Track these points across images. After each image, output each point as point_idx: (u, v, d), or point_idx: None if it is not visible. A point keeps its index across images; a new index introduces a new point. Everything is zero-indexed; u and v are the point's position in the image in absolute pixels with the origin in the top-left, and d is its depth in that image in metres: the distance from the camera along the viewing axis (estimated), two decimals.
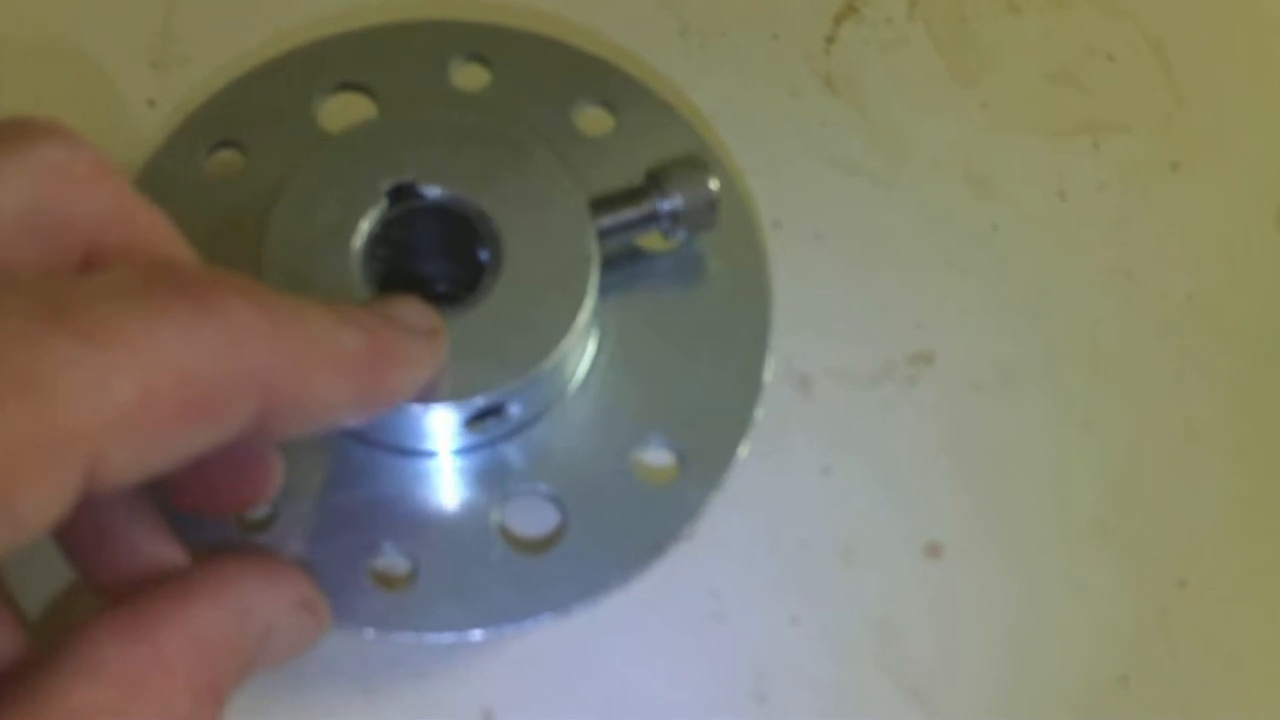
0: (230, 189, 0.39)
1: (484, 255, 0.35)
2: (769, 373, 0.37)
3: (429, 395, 0.33)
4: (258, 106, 0.40)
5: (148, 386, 0.23)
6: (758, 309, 0.38)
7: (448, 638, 0.34)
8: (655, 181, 0.37)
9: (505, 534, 0.35)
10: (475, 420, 0.34)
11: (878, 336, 0.40)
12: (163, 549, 0.31)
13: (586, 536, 0.35)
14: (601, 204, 0.36)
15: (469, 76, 0.41)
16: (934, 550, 0.37)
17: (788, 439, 0.38)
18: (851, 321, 0.40)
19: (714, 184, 0.37)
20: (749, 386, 0.37)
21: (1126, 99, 0.45)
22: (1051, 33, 0.46)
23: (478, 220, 0.35)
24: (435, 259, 0.37)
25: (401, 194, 0.36)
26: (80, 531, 0.30)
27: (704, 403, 0.37)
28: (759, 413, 0.37)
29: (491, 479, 0.36)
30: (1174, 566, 0.37)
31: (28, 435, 0.22)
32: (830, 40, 0.45)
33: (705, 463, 0.36)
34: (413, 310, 0.31)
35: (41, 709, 0.25)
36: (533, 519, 0.36)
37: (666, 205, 0.37)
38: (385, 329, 0.30)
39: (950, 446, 0.39)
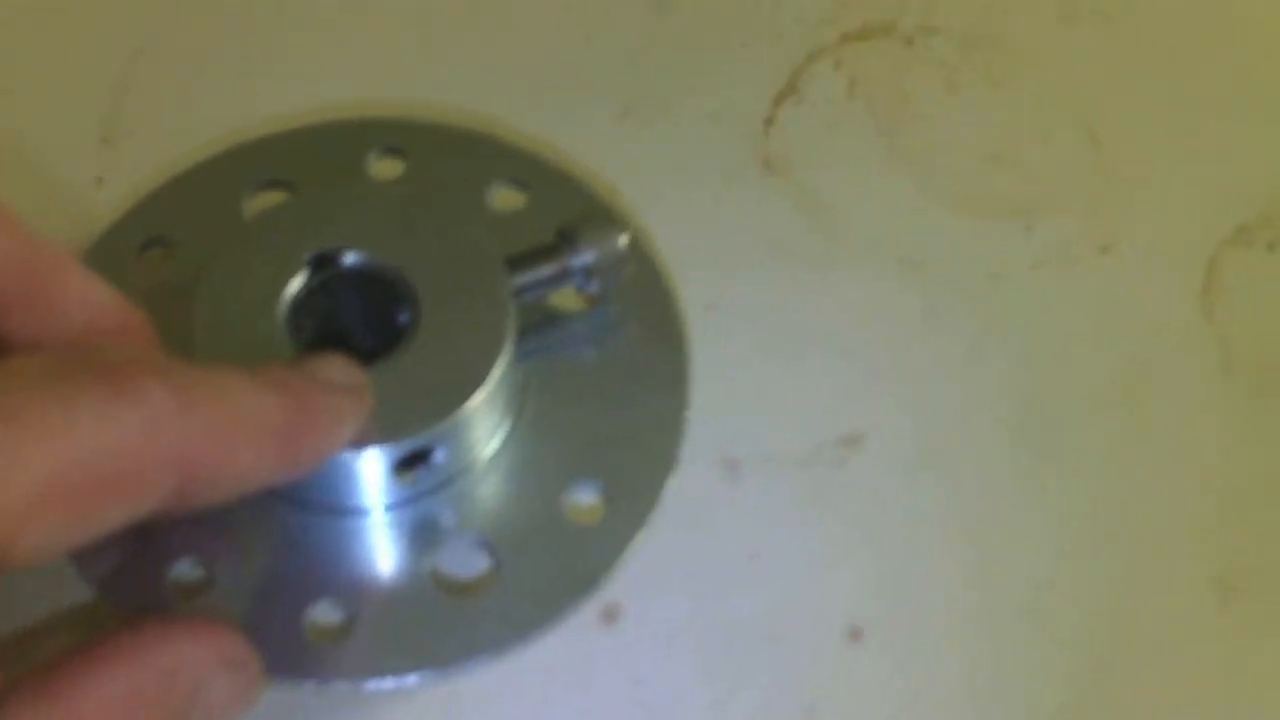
0: (159, 281, 0.41)
1: (404, 316, 0.37)
2: (690, 415, 0.39)
3: (353, 444, 0.34)
4: (186, 207, 0.42)
5: (61, 466, 0.24)
6: (676, 358, 0.40)
7: (387, 684, 0.35)
8: (566, 238, 0.39)
9: (438, 580, 0.36)
10: (404, 468, 0.36)
11: (808, 419, 0.41)
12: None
13: (518, 577, 0.36)
14: (516, 261, 0.38)
15: (385, 168, 0.44)
16: (855, 634, 0.37)
17: (715, 523, 0.39)
18: (782, 404, 0.41)
19: (623, 238, 0.39)
20: (672, 425, 0.39)
21: (1059, 181, 0.46)
22: (987, 113, 0.47)
23: (396, 282, 0.37)
24: (359, 323, 0.38)
25: (322, 262, 0.37)
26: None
27: (628, 445, 0.39)
28: (683, 455, 0.39)
29: (423, 530, 0.37)
30: (1099, 651, 0.38)
31: None
32: (769, 121, 0.46)
33: (632, 500, 0.38)
34: (335, 366, 0.33)
35: None
36: (465, 564, 0.37)
37: (578, 260, 0.38)
38: (307, 387, 0.31)
39: (877, 528, 0.39)
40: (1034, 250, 0.44)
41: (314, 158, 0.43)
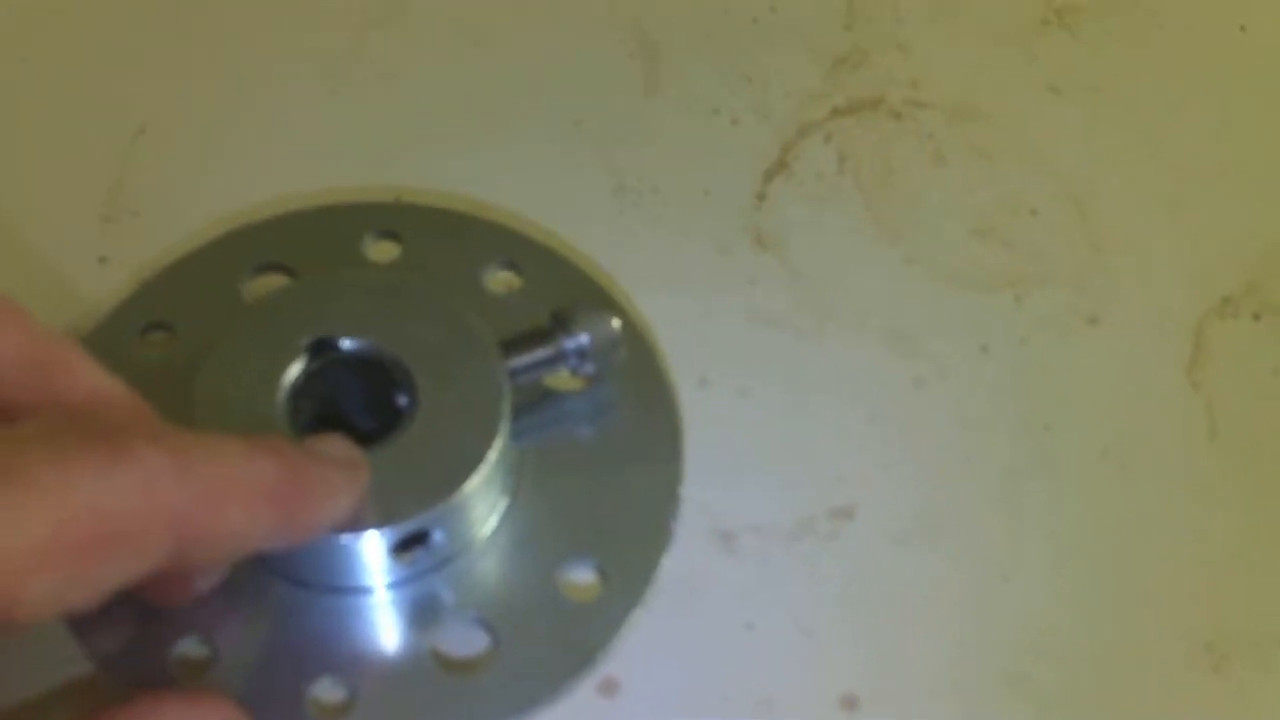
0: (160, 364, 0.41)
1: (402, 400, 0.37)
2: (683, 491, 0.40)
3: (352, 526, 0.34)
4: (186, 292, 0.43)
5: (61, 526, 0.25)
6: (669, 433, 0.41)
7: None
8: (560, 322, 0.39)
9: (438, 658, 0.37)
10: (402, 550, 0.36)
11: (799, 491, 0.41)
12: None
13: (517, 654, 0.37)
14: (510, 344, 0.39)
15: (381, 251, 0.44)
16: (850, 702, 0.38)
17: (710, 594, 0.39)
18: (774, 476, 0.41)
19: (616, 322, 0.40)
20: (666, 501, 0.40)
21: (1047, 253, 0.46)
22: (975, 186, 0.48)
23: (393, 367, 0.38)
24: (357, 407, 0.39)
25: (321, 347, 0.38)
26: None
27: (623, 522, 0.39)
28: (678, 528, 0.39)
29: (423, 609, 0.37)
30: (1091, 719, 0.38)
31: None
32: (761, 197, 0.47)
33: (628, 576, 0.38)
34: (333, 443, 0.34)
35: None
36: (464, 642, 0.37)
37: (572, 343, 0.39)
38: (304, 458, 0.31)
39: (869, 599, 0.40)
40: (1023, 322, 0.45)
41: (311, 241, 0.44)
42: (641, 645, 0.38)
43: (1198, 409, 0.43)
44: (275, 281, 0.43)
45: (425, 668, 0.36)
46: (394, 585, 0.37)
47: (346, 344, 0.38)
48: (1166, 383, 0.44)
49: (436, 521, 0.36)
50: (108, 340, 0.42)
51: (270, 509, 0.30)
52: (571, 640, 0.37)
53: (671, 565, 0.39)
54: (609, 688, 0.38)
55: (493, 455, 0.36)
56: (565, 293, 0.41)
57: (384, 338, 0.38)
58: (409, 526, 0.35)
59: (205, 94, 0.49)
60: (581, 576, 0.38)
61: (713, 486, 0.41)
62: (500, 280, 0.44)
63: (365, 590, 0.37)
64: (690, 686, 0.38)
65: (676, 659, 0.38)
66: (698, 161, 0.48)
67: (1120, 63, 0.52)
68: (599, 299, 0.42)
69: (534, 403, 0.40)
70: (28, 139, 0.48)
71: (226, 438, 0.30)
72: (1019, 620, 0.40)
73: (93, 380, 0.31)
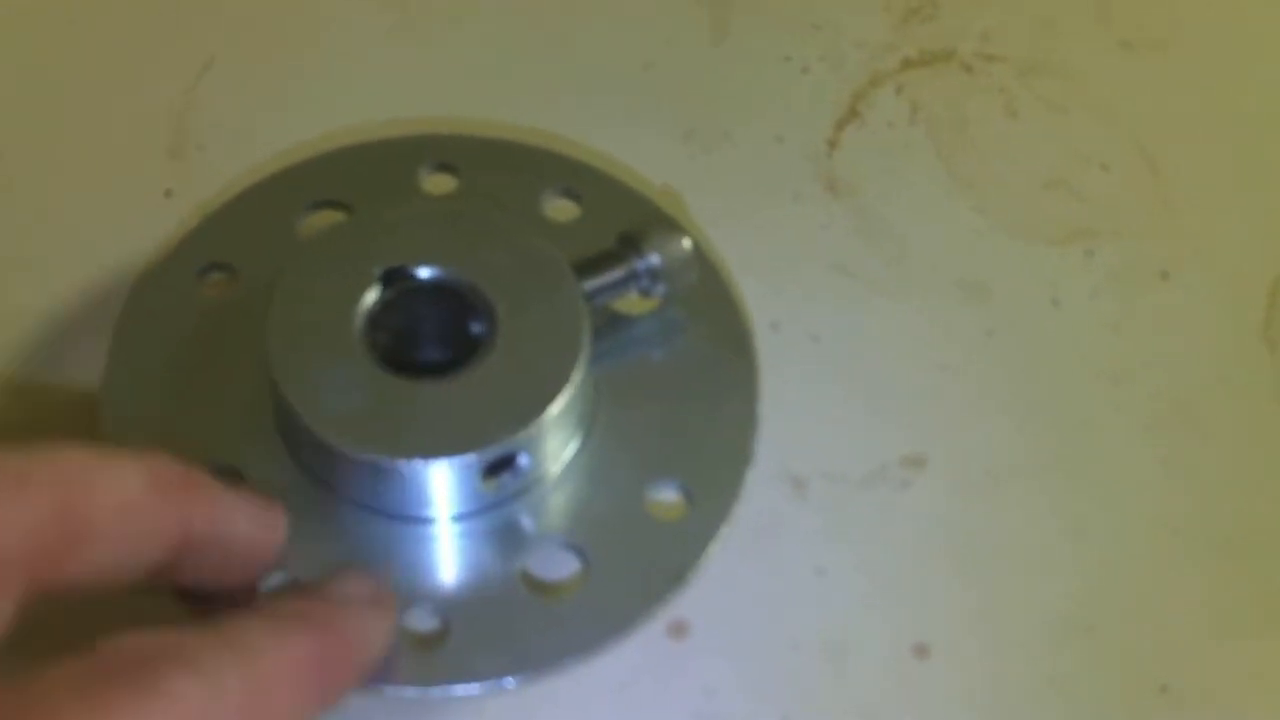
0: (222, 302, 0.41)
1: (477, 327, 0.37)
2: (761, 409, 0.40)
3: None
4: (244, 229, 0.43)
5: None
6: (743, 361, 0.41)
7: (481, 689, 0.35)
8: (630, 242, 0.39)
9: (528, 582, 0.37)
10: (489, 475, 0.36)
11: (872, 439, 0.41)
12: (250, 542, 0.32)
13: (608, 575, 0.37)
14: (582, 268, 0.39)
15: (437, 183, 0.44)
16: (922, 651, 0.38)
17: (782, 540, 0.39)
18: (846, 424, 0.41)
19: (687, 241, 0.39)
20: (745, 422, 0.40)
21: (1118, 207, 0.46)
22: (1048, 139, 0.47)
23: (469, 294, 0.37)
24: (433, 335, 0.39)
25: (395, 276, 0.38)
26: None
27: (704, 441, 0.39)
28: (749, 477, 0.39)
29: (509, 536, 0.37)
30: (1157, 671, 0.38)
31: None
32: (832, 144, 0.46)
33: (714, 494, 0.38)
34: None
35: None
36: (554, 566, 0.37)
37: (643, 264, 0.39)
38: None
39: (941, 548, 0.39)
40: (1094, 275, 0.44)
41: (368, 175, 0.44)
42: (711, 589, 0.38)
43: (1271, 368, 0.43)
44: (331, 217, 0.43)
45: (516, 593, 0.36)
46: (478, 513, 0.37)
47: (422, 272, 0.38)
48: (1239, 340, 0.44)
49: (524, 445, 0.36)
50: (169, 279, 0.42)
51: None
52: (661, 559, 0.37)
53: (742, 510, 0.39)
54: (679, 630, 0.37)
55: (576, 377, 0.36)
56: (629, 221, 0.41)
57: (457, 265, 0.38)
58: (497, 451, 0.35)
59: (273, 28, 0.49)
60: (666, 496, 0.38)
61: (784, 431, 0.40)
62: (560, 208, 0.43)
63: (450, 519, 0.37)
64: (760, 631, 0.38)
65: (746, 604, 0.38)
66: (769, 108, 0.47)
67: (1193, 17, 0.51)
68: (668, 222, 0.41)
69: (603, 327, 0.40)
70: (97, 72, 0.48)
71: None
72: (1087, 573, 0.39)
73: (251, 530, 0.32)
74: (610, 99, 0.48)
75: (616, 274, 0.39)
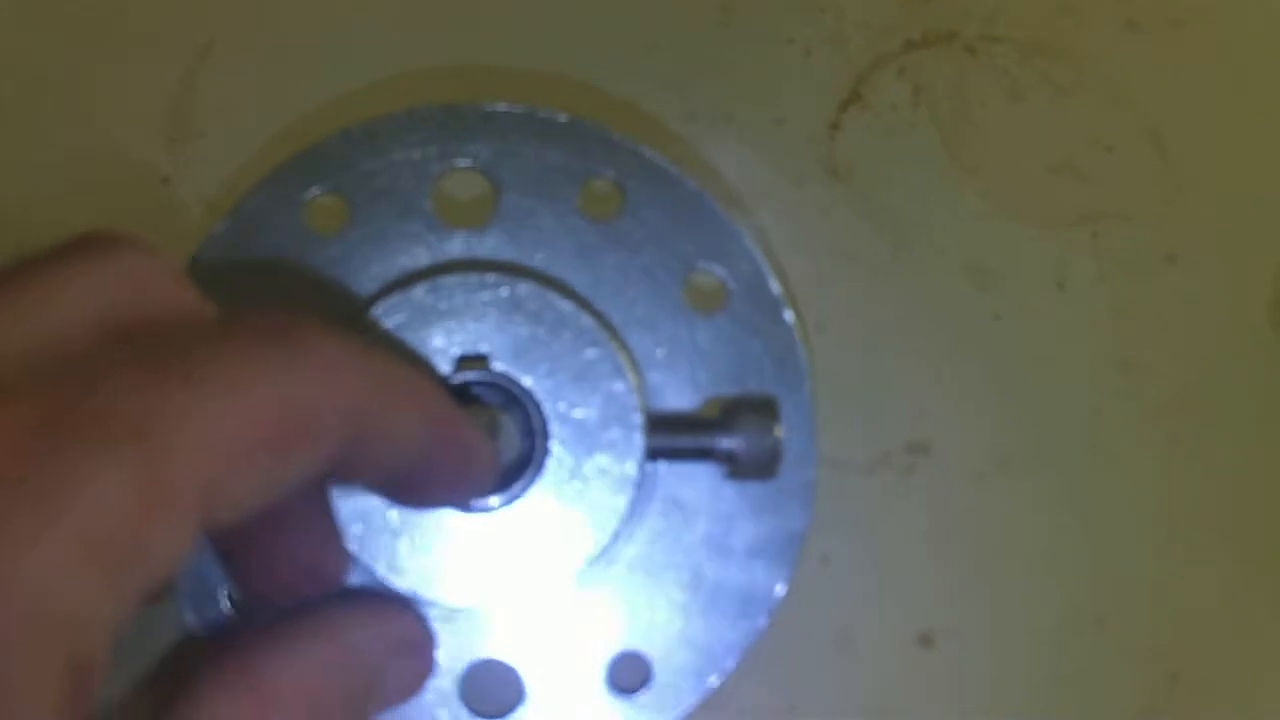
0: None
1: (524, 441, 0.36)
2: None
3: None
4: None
5: (251, 422, 0.24)
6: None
7: None
8: (718, 419, 0.37)
9: None
10: None
11: (875, 425, 0.41)
12: (322, 555, 0.32)
13: None
14: (659, 424, 0.37)
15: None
16: (927, 640, 0.37)
17: None
18: (849, 409, 0.41)
19: (778, 430, 0.36)
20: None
21: (1124, 190, 0.46)
22: (1053, 122, 0.47)
23: (527, 401, 0.36)
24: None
25: (468, 361, 0.36)
26: (248, 541, 0.30)
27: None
28: None
29: None
30: (1165, 660, 0.38)
31: (149, 480, 0.22)
32: (835, 127, 0.46)
33: None
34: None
35: None
36: None
37: (724, 443, 0.36)
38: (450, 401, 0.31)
39: (945, 535, 0.39)
40: (1100, 258, 0.44)
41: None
42: None
43: (1279, 352, 0.43)
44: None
45: None
46: None
47: (497, 366, 0.36)
48: (1247, 323, 0.43)
49: None
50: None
51: (431, 420, 0.29)
52: None
53: None
54: None
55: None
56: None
57: (522, 368, 0.36)
58: None
59: (274, 10, 0.48)
60: None
61: None
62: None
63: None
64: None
65: None
66: (770, 91, 0.47)
67: None
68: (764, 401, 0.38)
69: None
70: (95, 54, 0.47)
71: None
72: (1094, 560, 0.39)
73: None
74: (614, 79, 0.47)
75: (693, 442, 0.37)
